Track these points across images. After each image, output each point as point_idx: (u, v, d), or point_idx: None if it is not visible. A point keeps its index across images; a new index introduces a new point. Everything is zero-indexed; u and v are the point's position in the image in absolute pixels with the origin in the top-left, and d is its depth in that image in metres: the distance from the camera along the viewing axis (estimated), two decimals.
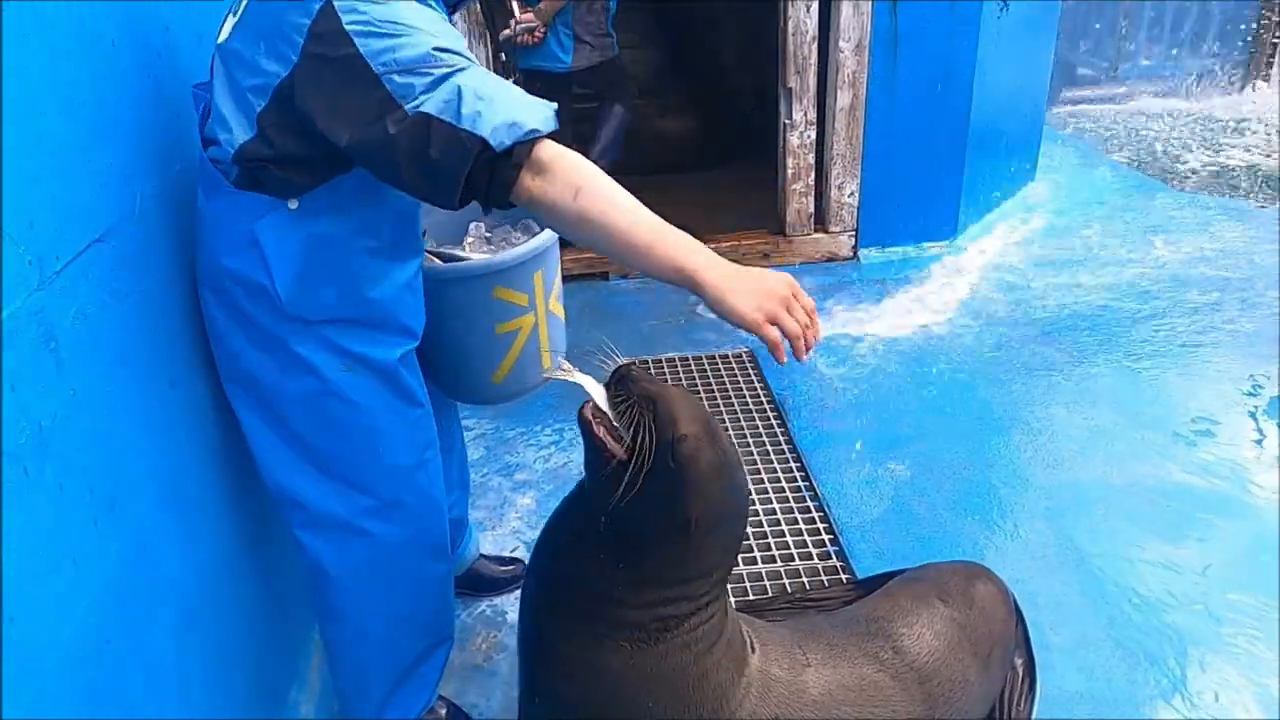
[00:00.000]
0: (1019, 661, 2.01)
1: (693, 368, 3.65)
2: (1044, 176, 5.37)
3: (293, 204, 1.47)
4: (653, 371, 3.63)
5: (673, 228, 1.39)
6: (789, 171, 4.42)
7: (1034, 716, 1.99)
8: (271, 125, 1.40)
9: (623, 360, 1.53)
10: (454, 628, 2.07)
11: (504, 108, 1.30)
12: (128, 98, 1.48)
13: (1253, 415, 3.12)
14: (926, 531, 2.67)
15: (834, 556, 2.59)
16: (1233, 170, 6.01)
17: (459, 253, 1.96)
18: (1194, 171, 6.05)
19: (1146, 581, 2.42)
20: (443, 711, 2.07)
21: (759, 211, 4.74)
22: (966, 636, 1.82)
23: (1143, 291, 4.08)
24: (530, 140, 1.32)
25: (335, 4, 1.30)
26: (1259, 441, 2.97)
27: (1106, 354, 3.57)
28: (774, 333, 1.35)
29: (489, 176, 1.33)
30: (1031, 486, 2.83)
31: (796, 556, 2.59)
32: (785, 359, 1.38)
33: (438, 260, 1.92)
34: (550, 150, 1.35)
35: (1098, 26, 8.70)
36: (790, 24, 4.12)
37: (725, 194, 5.29)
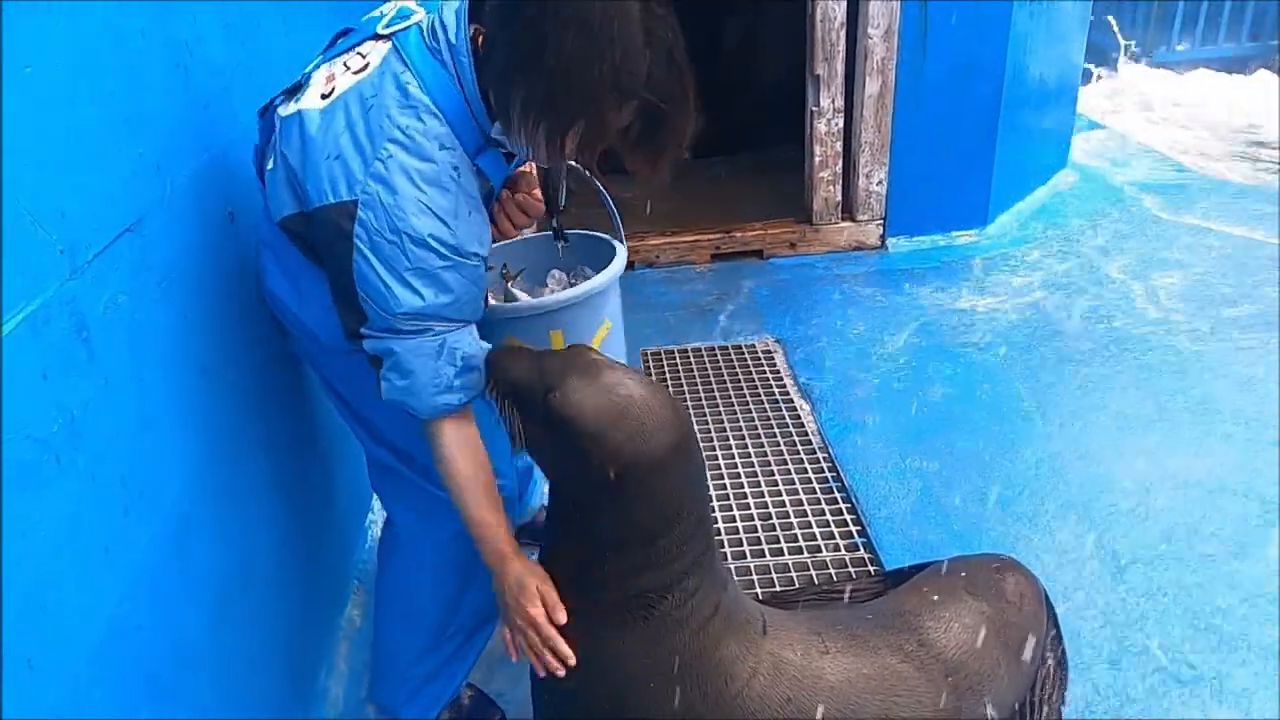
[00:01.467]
0: (1050, 657, 1.99)
1: (718, 357, 3.63)
2: (1076, 164, 5.29)
3: None
4: (677, 361, 3.62)
5: (493, 529, 1.59)
6: (816, 160, 4.38)
7: (1065, 712, 1.97)
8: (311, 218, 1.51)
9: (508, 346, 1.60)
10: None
11: (410, 390, 1.51)
12: (158, 88, 1.49)
13: None
14: (955, 524, 2.64)
15: (862, 548, 2.57)
16: (1273, 160, 5.88)
17: (519, 293, 2.04)
18: (1231, 158, 5.93)
19: (1184, 581, 2.38)
20: (467, 698, 2.09)
21: (786, 200, 4.70)
22: (996, 629, 1.80)
23: (1179, 283, 4.00)
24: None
25: (360, 200, 1.40)
26: None
27: (1141, 346, 3.51)
28: (505, 634, 1.61)
29: None
30: (1063, 480, 2.79)
31: (824, 548, 2.58)
32: (516, 656, 1.60)
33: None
34: (433, 427, 1.56)
35: (1131, 10, 8.54)
36: (819, 11, 4.08)
37: (751, 182, 5.25)
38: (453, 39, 1.45)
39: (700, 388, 3.42)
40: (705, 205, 4.89)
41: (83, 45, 1.25)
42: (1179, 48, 8.41)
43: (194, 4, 1.67)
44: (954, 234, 4.55)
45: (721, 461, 3.00)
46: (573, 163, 1.70)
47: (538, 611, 1.52)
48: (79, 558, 1.15)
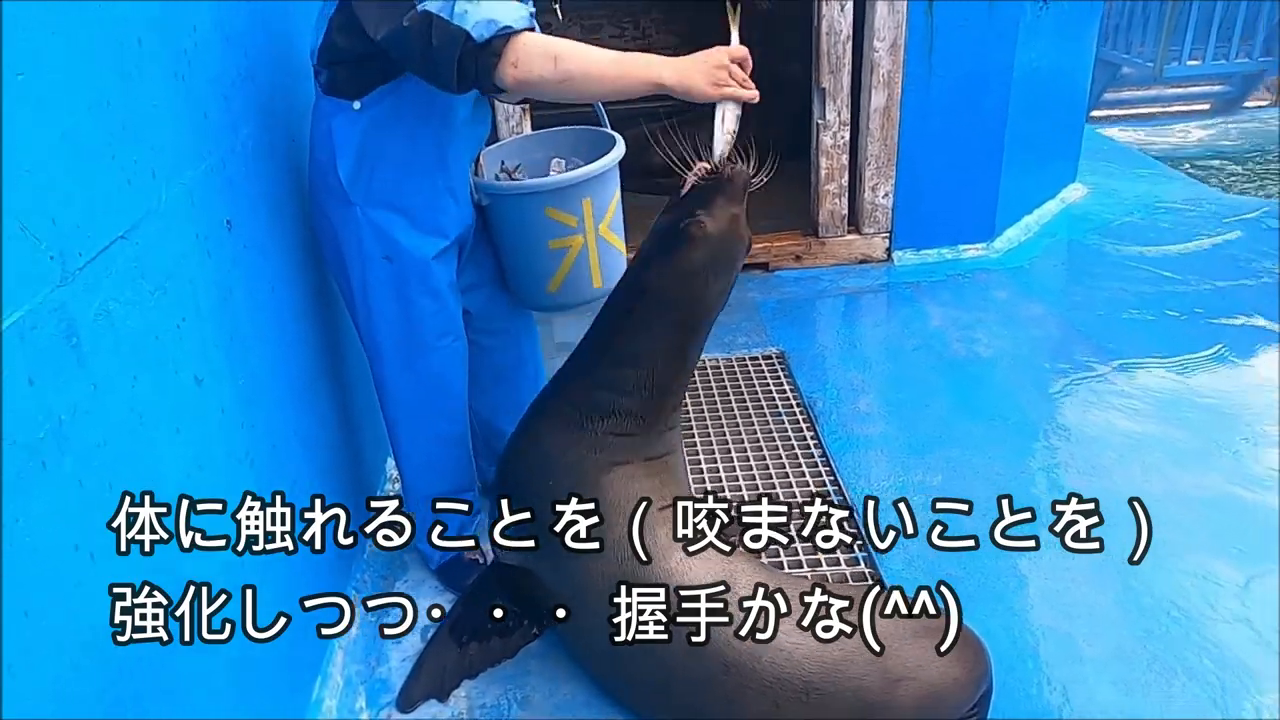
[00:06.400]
0: None
1: (723, 370, 3.62)
2: (1084, 178, 5.27)
3: (356, 105, 1.89)
4: None
5: (630, 55, 1.76)
6: (822, 172, 4.37)
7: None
8: (337, 28, 1.80)
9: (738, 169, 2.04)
10: (475, 483, 2.54)
11: (486, 9, 1.66)
12: (155, 96, 1.50)
13: None
14: None
15: (863, 563, 2.55)
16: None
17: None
18: (1241, 173, 5.91)
19: (1186, 594, 2.35)
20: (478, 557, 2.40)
21: (791, 212, 4.69)
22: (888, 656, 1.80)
23: (1188, 297, 3.98)
24: (505, 34, 1.66)
25: None
26: None
27: (1149, 361, 3.47)
28: (729, 94, 1.79)
29: (475, 63, 1.68)
30: (1068, 494, 2.76)
31: (824, 562, 2.56)
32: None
33: (508, 179, 2.34)
34: (523, 40, 1.68)
35: (1142, 26, 8.52)
36: (824, 23, 4.08)
37: (757, 194, 5.24)
38: None
39: (704, 399, 3.41)
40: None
41: (79, 53, 1.26)
42: (1190, 63, 8.38)
43: (193, 13, 1.68)
44: (960, 247, 4.53)
45: (723, 473, 2.99)
46: None
47: (719, 50, 1.76)
48: (63, 564, 1.14)
